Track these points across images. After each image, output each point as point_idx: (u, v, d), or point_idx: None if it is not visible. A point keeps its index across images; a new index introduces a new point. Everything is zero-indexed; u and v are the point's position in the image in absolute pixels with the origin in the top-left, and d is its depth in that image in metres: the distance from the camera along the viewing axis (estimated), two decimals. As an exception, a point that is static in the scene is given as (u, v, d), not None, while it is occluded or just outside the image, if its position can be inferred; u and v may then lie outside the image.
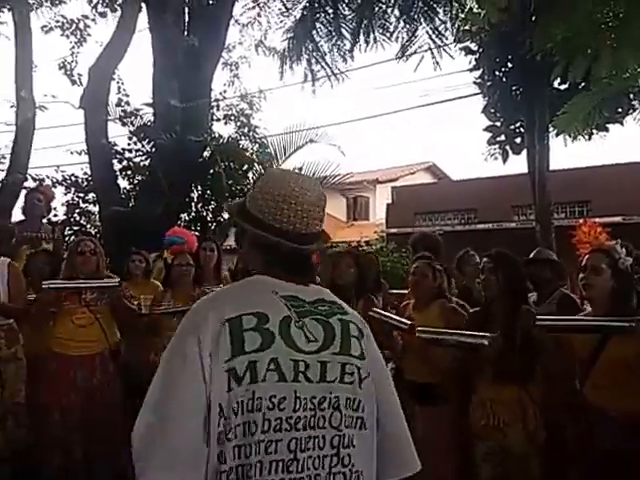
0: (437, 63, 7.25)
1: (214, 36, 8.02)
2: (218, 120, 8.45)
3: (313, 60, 7.39)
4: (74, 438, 3.49)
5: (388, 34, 7.05)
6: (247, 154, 7.94)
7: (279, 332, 1.15)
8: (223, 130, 8.45)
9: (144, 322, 3.82)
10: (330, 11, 7.13)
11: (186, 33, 8.10)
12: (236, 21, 10.68)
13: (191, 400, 1.09)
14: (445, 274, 3.35)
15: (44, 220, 5.19)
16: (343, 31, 7.19)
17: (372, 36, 6.99)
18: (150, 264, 4.50)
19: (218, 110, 8.51)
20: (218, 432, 1.08)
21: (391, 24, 6.96)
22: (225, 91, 9.49)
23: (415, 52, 7.26)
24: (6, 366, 3.44)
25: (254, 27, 11.28)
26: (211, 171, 7.57)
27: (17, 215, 6.30)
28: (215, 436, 1.08)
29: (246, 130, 8.37)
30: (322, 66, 7.45)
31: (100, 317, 3.62)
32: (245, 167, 7.83)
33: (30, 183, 8.19)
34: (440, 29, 7.12)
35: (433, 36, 7.07)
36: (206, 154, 7.71)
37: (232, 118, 8.55)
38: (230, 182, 7.29)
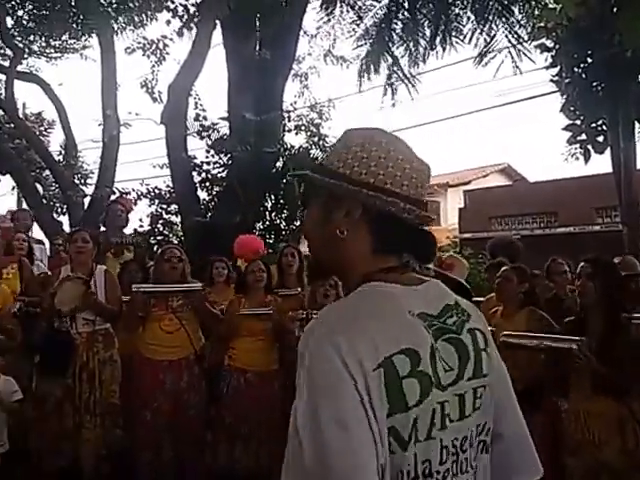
0: (517, 67, 7.07)
1: (285, 49, 8.20)
2: (289, 131, 8.57)
3: (392, 73, 7.39)
4: (164, 439, 3.66)
5: (462, 37, 6.96)
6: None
7: (432, 372, 0.90)
8: (294, 140, 8.59)
9: (224, 327, 3.91)
10: (405, 20, 7.13)
11: (258, 47, 8.34)
12: (304, 32, 10.83)
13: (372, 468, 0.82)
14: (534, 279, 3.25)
15: (124, 231, 5.43)
16: (419, 38, 7.16)
17: (448, 40, 6.92)
18: (232, 271, 4.64)
19: (289, 121, 8.65)
20: None
21: (464, 26, 6.87)
22: (295, 102, 9.64)
23: (494, 57, 7.12)
24: (103, 368, 3.66)
25: (323, 37, 11.38)
26: (284, 181, 7.74)
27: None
28: None
29: (316, 139, 8.48)
30: (398, 75, 7.44)
31: (186, 323, 3.78)
32: (316, 176, 7.92)
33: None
34: (515, 28, 6.94)
35: (510, 37, 6.90)
36: (279, 164, 7.89)
37: (302, 128, 8.67)
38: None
